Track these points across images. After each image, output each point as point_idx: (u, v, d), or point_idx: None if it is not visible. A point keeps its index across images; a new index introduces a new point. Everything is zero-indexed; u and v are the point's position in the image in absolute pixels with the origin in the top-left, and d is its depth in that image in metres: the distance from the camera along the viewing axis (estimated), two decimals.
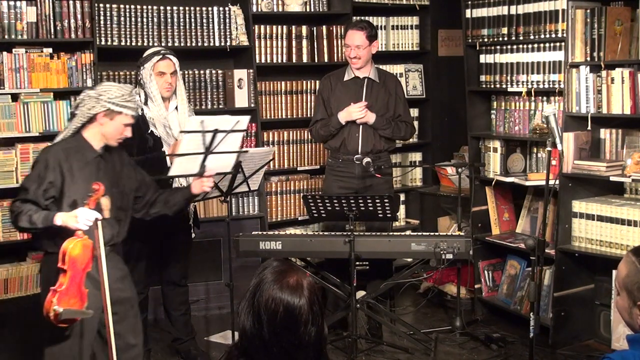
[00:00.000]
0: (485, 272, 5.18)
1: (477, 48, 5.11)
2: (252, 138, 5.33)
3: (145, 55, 4.21)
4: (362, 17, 5.46)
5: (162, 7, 5.03)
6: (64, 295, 3.14)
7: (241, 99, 5.29)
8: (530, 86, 4.80)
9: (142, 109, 4.17)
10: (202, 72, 5.21)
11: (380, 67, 5.04)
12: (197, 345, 4.44)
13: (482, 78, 5.13)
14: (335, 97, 4.77)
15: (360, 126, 4.68)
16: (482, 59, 5.12)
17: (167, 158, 4.10)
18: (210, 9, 5.19)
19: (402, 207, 5.98)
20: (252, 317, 1.86)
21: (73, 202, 3.29)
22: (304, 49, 5.58)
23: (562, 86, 4.52)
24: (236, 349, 1.92)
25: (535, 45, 4.74)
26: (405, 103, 4.84)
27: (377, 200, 4.30)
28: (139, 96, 4.20)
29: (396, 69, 5.91)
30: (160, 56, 4.15)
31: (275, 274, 1.89)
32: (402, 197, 5.99)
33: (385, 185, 4.74)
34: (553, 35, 4.61)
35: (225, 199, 4.10)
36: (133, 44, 4.94)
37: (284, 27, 5.48)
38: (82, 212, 3.18)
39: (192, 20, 5.13)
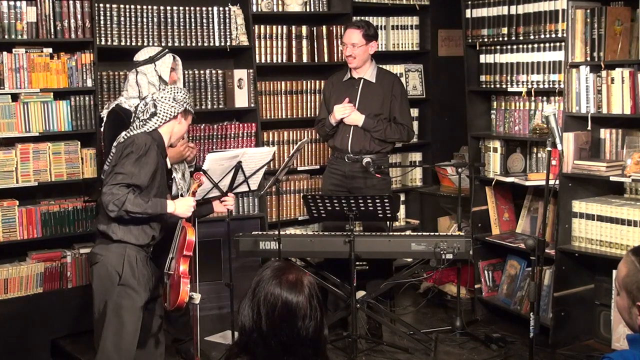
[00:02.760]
0: (485, 272, 5.17)
1: (477, 48, 5.11)
2: (252, 138, 5.33)
3: (152, 53, 4.14)
4: (362, 17, 5.47)
5: (162, 7, 5.03)
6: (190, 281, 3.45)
7: (241, 99, 5.29)
8: (530, 86, 4.80)
9: None
10: (202, 72, 5.21)
11: (381, 67, 5.05)
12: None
13: (482, 78, 5.13)
14: (333, 97, 4.82)
15: (352, 127, 4.71)
16: (482, 59, 5.11)
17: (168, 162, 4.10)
18: (210, 9, 5.19)
19: (402, 207, 5.98)
20: (252, 312, 1.90)
21: (159, 192, 3.47)
22: (304, 49, 5.58)
23: (562, 86, 4.52)
24: (236, 346, 1.95)
25: (535, 45, 4.74)
26: (404, 104, 4.81)
27: (377, 200, 4.31)
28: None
29: (396, 69, 5.91)
30: (172, 55, 4.18)
31: (275, 271, 1.94)
32: (402, 197, 5.99)
33: (381, 186, 4.74)
34: (553, 35, 4.61)
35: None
36: (133, 44, 4.93)
37: (284, 27, 5.48)
38: (192, 200, 3.52)
39: (192, 20, 5.13)
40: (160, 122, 3.52)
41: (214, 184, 3.87)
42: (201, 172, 3.66)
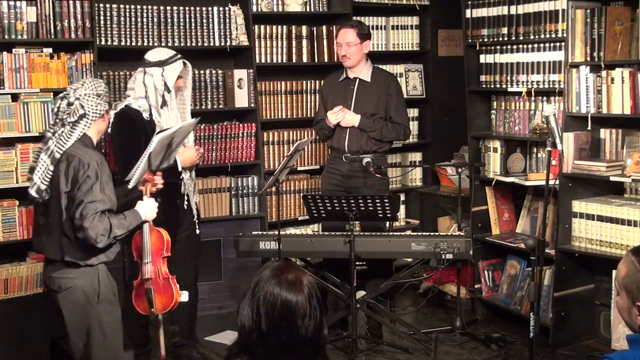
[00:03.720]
0: (485, 272, 5.17)
1: (477, 48, 5.11)
2: (252, 138, 5.33)
3: (164, 57, 4.06)
4: (362, 17, 5.48)
5: (162, 7, 5.03)
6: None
7: (241, 99, 5.29)
8: (530, 86, 4.80)
9: (150, 113, 4.02)
10: (202, 72, 5.21)
11: (381, 67, 5.05)
12: (198, 349, 4.42)
13: (482, 78, 5.13)
14: (330, 97, 4.83)
15: (348, 126, 4.71)
16: (482, 59, 5.11)
17: (179, 164, 4.04)
18: (210, 9, 5.19)
19: (402, 207, 5.98)
20: (251, 311, 1.90)
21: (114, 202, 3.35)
22: (304, 49, 5.58)
23: (562, 86, 4.52)
24: (236, 346, 1.95)
25: (535, 45, 4.74)
26: (400, 103, 4.81)
27: (377, 200, 4.31)
28: (147, 99, 4.02)
29: (396, 69, 5.91)
30: (182, 62, 4.09)
31: (274, 271, 1.94)
32: (402, 197, 5.99)
33: (379, 186, 4.74)
34: (553, 35, 4.61)
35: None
36: (133, 44, 4.94)
37: (284, 27, 5.48)
38: (154, 201, 3.45)
39: (192, 20, 5.13)
40: (90, 123, 3.33)
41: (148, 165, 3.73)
42: (151, 173, 3.50)
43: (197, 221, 4.31)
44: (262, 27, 5.39)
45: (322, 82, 5.10)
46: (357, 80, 4.77)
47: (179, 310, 4.18)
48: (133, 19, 4.93)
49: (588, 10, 4.30)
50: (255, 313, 1.89)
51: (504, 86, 4.96)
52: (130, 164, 3.58)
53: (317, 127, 4.92)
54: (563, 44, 4.48)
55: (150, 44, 4.97)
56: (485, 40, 5.05)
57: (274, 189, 4.55)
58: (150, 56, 4.09)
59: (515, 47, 4.88)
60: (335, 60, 5.58)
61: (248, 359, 1.91)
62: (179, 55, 4.13)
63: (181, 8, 5.08)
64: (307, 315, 1.89)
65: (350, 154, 4.73)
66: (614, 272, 3.34)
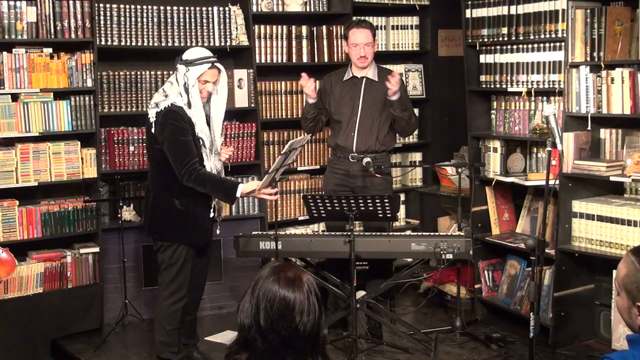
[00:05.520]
0: (485, 272, 5.17)
1: (477, 48, 5.11)
2: (252, 138, 5.33)
3: (192, 57, 3.98)
4: (362, 17, 5.47)
5: (162, 7, 5.03)
6: None
7: (241, 99, 5.29)
8: (530, 86, 4.80)
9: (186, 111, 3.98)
10: None
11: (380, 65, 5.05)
12: (199, 349, 4.42)
13: (482, 78, 5.13)
14: (333, 97, 4.79)
15: (356, 126, 4.70)
16: (482, 59, 5.11)
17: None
18: (210, 9, 5.19)
19: (402, 207, 5.98)
20: (251, 308, 1.92)
21: None
22: (304, 49, 5.58)
23: (562, 86, 4.52)
24: (236, 344, 1.97)
25: (535, 45, 4.74)
26: (408, 98, 4.84)
27: (377, 200, 4.31)
28: (180, 96, 3.96)
29: (396, 69, 5.89)
30: (210, 64, 3.99)
31: (273, 269, 1.96)
32: (402, 197, 5.98)
33: (383, 186, 4.74)
34: (553, 35, 4.61)
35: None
36: (133, 44, 4.94)
37: (284, 27, 5.48)
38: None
39: (192, 20, 5.13)
40: None
41: None
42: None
43: (217, 223, 4.31)
44: (262, 27, 5.38)
45: (322, 80, 5.04)
46: (365, 79, 4.77)
47: (188, 308, 4.24)
48: (133, 19, 4.93)
49: (588, 10, 4.30)
50: (255, 310, 1.91)
51: (504, 86, 4.96)
52: (184, 158, 3.86)
53: (302, 118, 4.85)
54: (563, 44, 4.48)
55: (150, 44, 4.98)
56: (485, 40, 5.05)
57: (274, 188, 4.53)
58: (184, 54, 4.03)
59: (515, 47, 4.88)
60: (336, 60, 5.58)
61: (248, 356, 1.92)
62: (210, 59, 4.01)
63: (181, 8, 5.09)
64: (306, 312, 1.91)
65: (358, 153, 4.71)
66: (614, 272, 3.33)
